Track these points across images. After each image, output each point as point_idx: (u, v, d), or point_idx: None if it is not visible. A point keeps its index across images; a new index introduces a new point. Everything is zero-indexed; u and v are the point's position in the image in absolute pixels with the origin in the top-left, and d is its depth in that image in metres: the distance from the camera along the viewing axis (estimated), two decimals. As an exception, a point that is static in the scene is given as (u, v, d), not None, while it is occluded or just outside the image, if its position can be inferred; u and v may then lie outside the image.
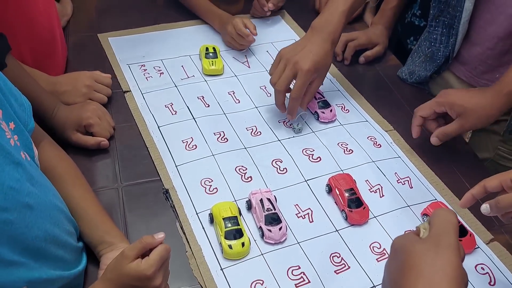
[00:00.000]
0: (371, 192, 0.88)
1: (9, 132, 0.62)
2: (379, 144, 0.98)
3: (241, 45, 1.19)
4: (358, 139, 0.98)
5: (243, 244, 0.75)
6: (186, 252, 0.76)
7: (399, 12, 1.26)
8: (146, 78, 1.10)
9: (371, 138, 0.99)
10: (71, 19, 1.23)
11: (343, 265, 0.76)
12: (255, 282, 0.72)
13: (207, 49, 1.17)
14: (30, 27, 0.93)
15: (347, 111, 1.06)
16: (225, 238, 0.75)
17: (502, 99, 0.86)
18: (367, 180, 0.90)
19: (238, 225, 0.77)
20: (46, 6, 0.97)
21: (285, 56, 0.94)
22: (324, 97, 1.05)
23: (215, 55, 1.16)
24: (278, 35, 1.28)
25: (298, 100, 0.95)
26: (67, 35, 1.17)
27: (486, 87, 0.91)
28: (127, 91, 1.06)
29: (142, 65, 1.13)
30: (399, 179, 0.91)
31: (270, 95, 1.09)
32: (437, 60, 1.10)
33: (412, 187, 0.90)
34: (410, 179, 0.91)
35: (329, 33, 0.94)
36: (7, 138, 0.61)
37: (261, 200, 0.81)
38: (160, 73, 1.12)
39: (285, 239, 0.78)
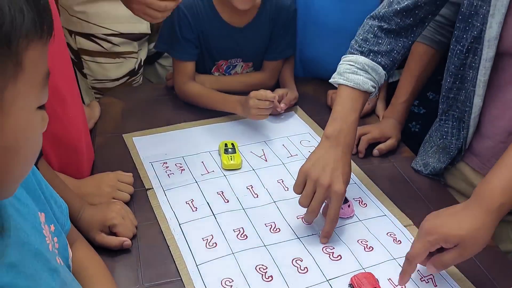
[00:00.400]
0: (394, 291, 0.87)
1: (49, 236, 0.65)
2: (399, 240, 0.98)
3: (267, 111, 1.24)
4: (377, 236, 0.99)
5: None
6: None
7: (409, 106, 1.32)
8: (168, 175, 1.14)
9: (390, 234, 1.00)
10: (98, 121, 1.30)
11: None
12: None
13: (226, 145, 1.22)
14: (58, 137, 0.98)
15: (365, 205, 1.08)
16: None
17: (494, 214, 0.79)
18: (389, 278, 0.89)
19: None
20: (75, 113, 1.04)
21: (312, 176, 0.92)
22: (341, 190, 1.07)
23: (234, 150, 1.20)
24: (293, 129, 1.34)
25: (335, 222, 0.95)
26: (94, 136, 1.24)
27: (468, 202, 0.83)
28: (150, 189, 1.09)
29: (164, 163, 1.18)
30: (422, 277, 0.90)
31: (288, 189, 1.11)
32: (450, 152, 1.12)
33: (436, 286, 0.89)
34: (433, 277, 0.90)
35: (348, 145, 0.96)
36: (47, 244, 0.63)
37: None
38: (182, 170, 1.16)
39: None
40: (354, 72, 1.01)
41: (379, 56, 1.02)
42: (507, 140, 1.01)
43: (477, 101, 1.01)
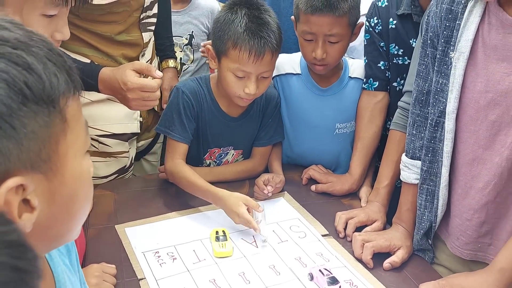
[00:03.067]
0: None
1: None
2: (391, 320, 0.99)
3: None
4: (369, 316, 1.00)
5: None
6: None
7: (392, 189, 1.38)
8: (160, 264, 1.15)
9: (382, 314, 1.00)
10: (91, 212, 1.32)
11: None
12: None
13: (217, 232, 1.24)
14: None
15: (355, 286, 1.09)
16: None
17: (496, 275, 0.94)
18: None
19: None
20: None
21: None
22: (332, 274, 1.09)
23: (225, 237, 1.23)
24: (282, 215, 1.37)
25: None
26: (87, 228, 1.26)
27: (485, 268, 1.01)
28: (142, 279, 1.10)
29: (156, 252, 1.19)
30: None
31: (279, 273, 1.13)
32: (422, 223, 1.18)
33: None
34: None
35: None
36: None
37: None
38: (173, 259, 1.17)
39: None
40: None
41: None
42: (472, 218, 1.07)
43: (444, 172, 1.10)
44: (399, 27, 1.44)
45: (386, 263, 1.16)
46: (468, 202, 1.07)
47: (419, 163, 1.19)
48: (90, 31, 1.40)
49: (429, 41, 1.11)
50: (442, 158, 1.10)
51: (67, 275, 0.63)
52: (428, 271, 1.17)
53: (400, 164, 1.26)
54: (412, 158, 1.22)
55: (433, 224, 1.16)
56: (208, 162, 1.52)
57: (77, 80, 0.54)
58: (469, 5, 1.02)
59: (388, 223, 1.33)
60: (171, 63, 1.74)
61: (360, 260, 1.18)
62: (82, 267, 1.10)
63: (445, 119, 1.08)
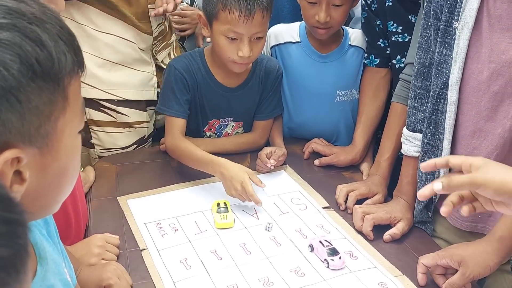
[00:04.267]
0: None
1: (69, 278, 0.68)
2: (390, 289, 1.00)
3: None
4: (369, 286, 1.01)
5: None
6: None
7: (393, 162, 1.37)
8: (162, 235, 1.16)
9: (382, 284, 1.02)
10: (93, 185, 1.34)
11: None
12: None
13: (218, 204, 1.25)
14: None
15: (356, 258, 1.10)
16: None
17: (495, 244, 0.95)
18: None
19: None
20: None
21: None
22: (332, 245, 1.10)
23: (226, 209, 1.24)
24: (283, 188, 1.38)
25: None
26: (89, 200, 1.27)
27: (484, 238, 1.01)
28: (144, 249, 1.11)
29: (158, 223, 1.20)
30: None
31: (280, 245, 1.14)
32: None
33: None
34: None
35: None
36: (69, 281, 0.67)
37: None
38: (175, 230, 1.18)
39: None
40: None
41: None
42: None
43: (446, 144, 1.09)
44: (396, 4, 1.42)
45: (386, 235, 1.17)
46: None
47: (420, 136, 1.19)
48: None
49: (432, 12, 1.10)
50: (443, 130, 1.09)
51: (45, 244, 0.64)
52: (428, 243, 1.18)
53: (401, 137, 1.26)
54: (413, 131, 1.21)
55: (433, 197, 1.16)
56: (208, 134, 1.52)
57: (82, 59, 0.55)
58: None
59: (389, 195, 1.33)
60: None
61: (360, 232, 1.19)
62: (84, 238, 1.13)
63: (447, 90, 1.07)
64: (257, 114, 1.52)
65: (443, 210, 0.77)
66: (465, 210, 0.77)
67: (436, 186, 0.74)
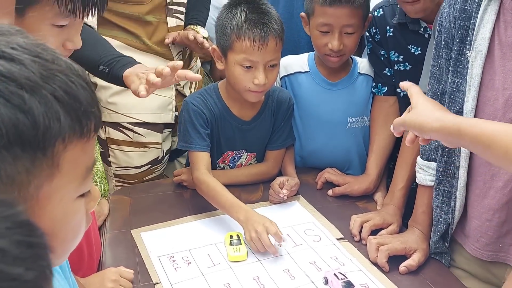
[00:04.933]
0: None
1: None
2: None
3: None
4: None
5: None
6: None
7: (407, 192, 1.36)
8: (175, 269, 1.16)
9: (397, 318, 0.99)
10: (108, 218, 1.35)
11: None
12: None
13: (231, 236, 1.24)
14: None
15: (371, 290, 1.08)
16: None
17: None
18: None
19: None
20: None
21: None
22: (347, 278, 1.08)
23: (239, 241, 1.23)
24: (297, 219, 1.37)
25: None
26: (104, 233, 1.28)
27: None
28: (157, 283, 1.11)
29: (171, 256, 1.20)
30: None
31: (294, 278, 1.12)
32: (439, 225, 1.16)
33: None
34: None
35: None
36: None
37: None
38: (188, 263, 1.18)
39: None
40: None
41: None
42: (492, 218, 1.05)
43: (462, 173, 1.08)
44: (397, 34, 1.45)
45: (402, 267, 1.15)
46: (488, 202, 1.05)
47: (434, 164, 1.18)
48: (119, 12, 1.50)
49: (443, 42, 1.10)
50: (459, 158, 1.08)
51: (57, 277, 0.63)
52: (445, 274, 1.16)
53: (416, 166, 1.25)
54: (427, 159, 1.20)
55: (450, 226, 1.15)
56: (222, 166, 1.52)
57: (92, 121, 0.50)
58: (483, 3, 1.01)
59: (404, 226, 1.31)
60: (200, 29, 1.65)
61: (375, 264, 1.17)
62: (98, 271, 1.13)
63: None
64: (270, 144, 1.53)
65: (407, 139, 0.95)
66: (408, 139, 0.95)
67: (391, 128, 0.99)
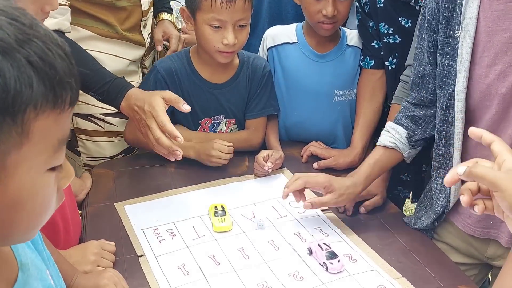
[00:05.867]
0: None
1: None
2: (389, 293, 0.99)
3: (225, 161, 1.38)
4: (368, 289, 1.00)
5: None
6: None
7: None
8: (160, 241, 1.15)
9: (381, 287, 1.01)
10: (90, 191, 1.33)
11: None
12: None
13: (215, 207, 1.24)
14: None
15: (355, 260, 1.09)
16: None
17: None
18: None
19: None
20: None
21: None
22: (330, 248, 1.09)
23: (224, 212, 1.23)
24: (282, 191, 1.36)
25: None
26: (86, 206, 1.26)
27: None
28: (142, 255, 1.10)
29: (155, 229, 1.19)
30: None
31: (278, 248, 1.13)
32: (436, 208, 1.16)
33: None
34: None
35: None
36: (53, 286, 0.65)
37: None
38: (173, 236, 1.17)
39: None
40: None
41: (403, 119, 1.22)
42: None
43: (456, 155, 1.07)
44: (388, 5, 1.42)
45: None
46: None
47: (401, 128, 1.19)
48: (90, 1, 1.39)
49: (426, 24, 1.10)
50: (453, 141, 1.08)
51: (27, 250, 0.62)
52: (427, 245, 1.17)
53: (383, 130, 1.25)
54: (397, 123, 1.22)
55: (445, 210, 1.15)
56: (203, 135, 1.51)
57: (69, 94, 0.49)
58: None
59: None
60: (165, 16, 1.67)
61: (359, 234, 1.18)
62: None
63: (454, 100, 1.06)
64: (248, 112, 1.52)
65: (464, 199, 0.68)
66: (478, 208, 0.68)
67: (460, 169, 0.67)
